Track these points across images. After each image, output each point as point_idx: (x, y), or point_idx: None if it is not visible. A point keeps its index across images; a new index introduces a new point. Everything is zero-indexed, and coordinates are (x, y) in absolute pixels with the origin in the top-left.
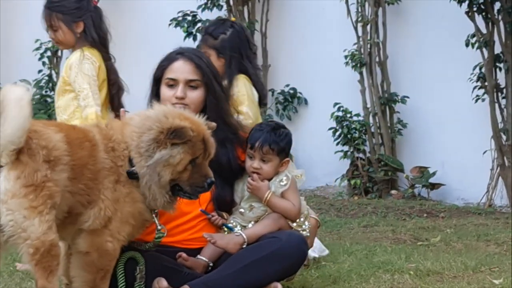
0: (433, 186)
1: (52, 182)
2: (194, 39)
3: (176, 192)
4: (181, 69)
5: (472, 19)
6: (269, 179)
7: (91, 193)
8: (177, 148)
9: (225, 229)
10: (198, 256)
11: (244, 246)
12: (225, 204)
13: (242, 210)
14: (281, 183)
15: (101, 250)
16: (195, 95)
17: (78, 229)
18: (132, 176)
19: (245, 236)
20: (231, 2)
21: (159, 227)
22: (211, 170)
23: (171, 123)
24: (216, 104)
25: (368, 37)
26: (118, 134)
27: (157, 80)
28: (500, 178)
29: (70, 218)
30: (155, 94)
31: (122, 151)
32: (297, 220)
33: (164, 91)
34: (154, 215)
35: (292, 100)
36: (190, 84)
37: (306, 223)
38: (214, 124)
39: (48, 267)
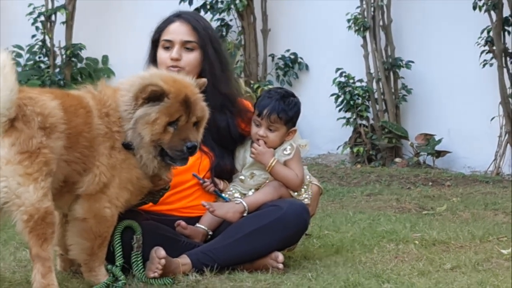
0: (439, 154)
1: (47, 149)
2: (190, 3)
3: (164, 157)
4: (177, 31)
5: None
6: (274, 148)
7: (87, 161)
8: (153, 107)
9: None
10: (197, 225)
11: (245, 214)
12: (225, 173)
13: (242, 177)
14: (285, 152)
15: (98, 216)
16: (191, 57)
17: (75, 195)
18: (127, 147)
19: (245, 204)
20: None
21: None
22: (212, 140)
23: (144, 82)
24: (209, 69)
25: (372, 0)
26: (112, 101)
27: (154, 43)
28: (508, 146)
29: (67, 186)
30: (153, 58)
31: (118, 118)
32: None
33: (160, 53)
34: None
35: (292, 65)
36: (186, 46)
37: (309, 191)
38: (203, 80)
39: (43, 235)
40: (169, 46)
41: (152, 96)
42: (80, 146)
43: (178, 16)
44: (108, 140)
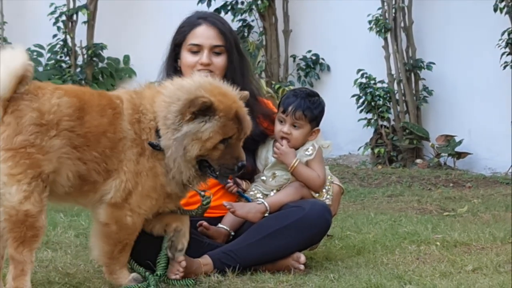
0: (460, 155)
1: (35, 149)
2: (209, 5)
3: (203, 168)
4: (206, 35)
5: None
6: (297, 148)
7: (109, 161)
8: (205, 124)
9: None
10: (219, 225)
11: (266, 214)
12: (247, 173)
13: (264, 178)
14: (307, 153)
15: (120, 223)
16: (220, 61)
17: (101, 198)
18: (155, 147)
19: (267, 205)
20: None
21: (202, 193)
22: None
23: (196, 95)
24: (231, 73)
25: (393, 1)
26: (147, 104)
27: (177, 45)
28: None
29: (88, 186)
30: (174, 60)
31: (148, 123)
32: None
33: (187, 56)
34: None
35: (314, 66)
36: (214, 50)
37: (330, 192)
38: (246, 93)
39: (19, 238)
40: (196, 50)
41: (202, 109)
42: (101, 145)
43: (204, 19)
44: (136, 146)
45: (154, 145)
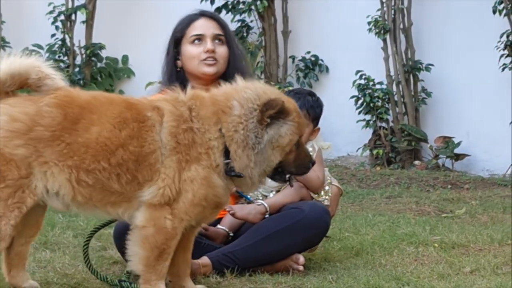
0: (458, 157)
1: None
2: (212, 2)
3: (275, 175)
4: (206, 25)
5: None
6: None
7: (136, 174)
8: (283, 127)
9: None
10: (218, 226)
11: (266, 215)
12: None
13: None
14: None
15: (158, 226)
16: (223, 50)
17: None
18: (238, 176)
19: (266, 206)
20: None
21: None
22: None
23: (267, 97)
24: (234, 64)
25: (393, 3)
26: (208, 123)
27: (177, 42)
28: None
29: (114, 197)
30: (175, 58)
31: (208, 142)
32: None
33: (190, 48)
34: None
35: (313, 67)
36: (217, 39)
37: (329, 193)
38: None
39: None
40: (199, 39)
41: (279, 111)
42: (117, 157)
43: (201, 14)
44: (176, 154)
45: (238, 175)
